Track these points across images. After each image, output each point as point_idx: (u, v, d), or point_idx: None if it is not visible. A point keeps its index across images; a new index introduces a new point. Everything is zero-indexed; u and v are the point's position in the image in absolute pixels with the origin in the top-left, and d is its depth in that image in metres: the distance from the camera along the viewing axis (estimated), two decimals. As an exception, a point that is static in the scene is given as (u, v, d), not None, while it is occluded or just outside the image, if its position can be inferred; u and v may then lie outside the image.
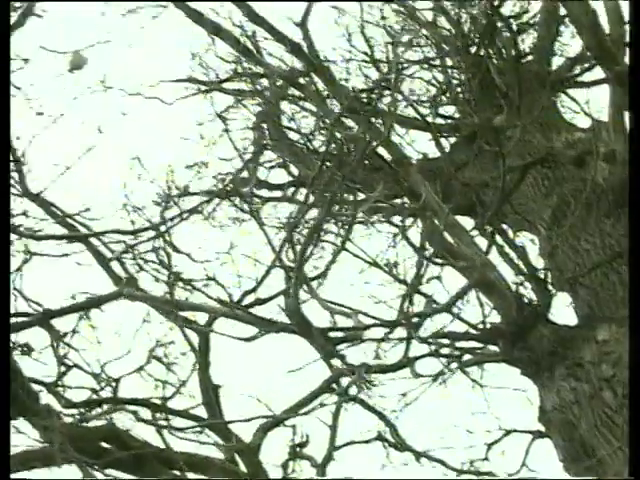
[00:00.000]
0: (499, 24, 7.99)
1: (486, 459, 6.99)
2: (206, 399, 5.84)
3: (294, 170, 8.71)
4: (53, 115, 5.87)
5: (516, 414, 7.11)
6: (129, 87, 8.51)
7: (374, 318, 5.26)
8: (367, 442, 5.98)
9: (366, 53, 8.23)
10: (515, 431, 6.97)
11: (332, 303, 5.20)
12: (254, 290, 5.44)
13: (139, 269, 5.70)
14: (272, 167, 9.10)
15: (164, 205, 5.89)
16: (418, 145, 8.34)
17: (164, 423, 5.16)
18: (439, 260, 6.21)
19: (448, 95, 8.54)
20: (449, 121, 8.51)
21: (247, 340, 5.13)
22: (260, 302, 5.34)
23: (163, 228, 5.86)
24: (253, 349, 5.87)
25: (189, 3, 7.20)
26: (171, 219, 5.71)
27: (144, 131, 9.80)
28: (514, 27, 7.75)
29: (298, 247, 5.03)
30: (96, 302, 5.48)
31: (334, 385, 5.40)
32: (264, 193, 8.87)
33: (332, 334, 5.16)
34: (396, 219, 8.80)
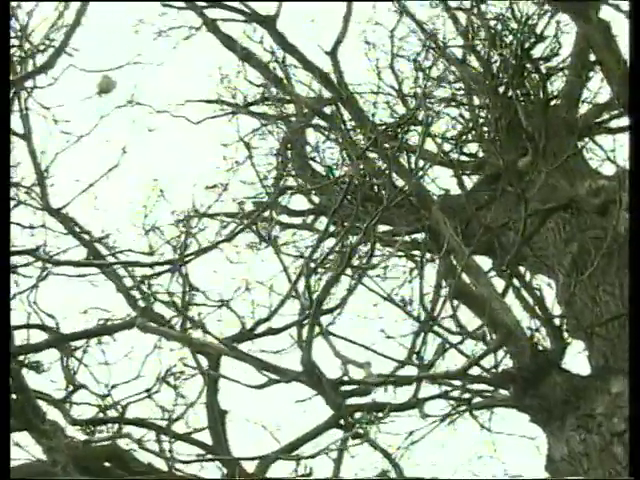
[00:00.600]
0: (528, 66, 8.03)
1: (490, 503, 6.91)
2: (212, 424, 5.80)
3: (315, 197, 8.74)
4: (79, 133, 5.89)
5: (523, 461, 7.03)
6: (157, 105, 8.59)
7: (385, 357, 5.21)
8: (370, 480, 5.92)
9: (394, 87, 8.25)
10: (521, 478, 6.88)
11: (347, 339, 5.16)
12: (268, 319, 5.42)
13: (153, 299, 5.69)
14: (293, 193, 9.12)
15: (183, 245, 5.87)
16: (441, 181, 8.36)
17: (167, 454, 5.11)
18: (455, 300, 6.17)
19: (474, 133, 8.53)
20: (473, 160, 8.49)
21: (257, 388, 5.10)
22: (273, 332, 5.32)
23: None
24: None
25: (222, 28, 7.26)
26: (187, 255, 5.70)
27: (169, 149, 9.87)
28: (543, 70, 7.72)
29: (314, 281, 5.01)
30: (108, 330, 5.49)
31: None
32: (284, 219, 8.89)
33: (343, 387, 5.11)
34: (415, 253, 8.79)
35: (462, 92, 8.57)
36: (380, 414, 5.51)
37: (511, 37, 7.96)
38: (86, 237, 5.98)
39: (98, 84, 5.83)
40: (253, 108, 9.14)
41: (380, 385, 5.09)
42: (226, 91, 9.03)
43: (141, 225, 6.24)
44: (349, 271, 5.55)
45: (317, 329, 4.94)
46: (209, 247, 5.77)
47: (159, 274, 5.73)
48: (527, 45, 7.87)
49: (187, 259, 5.66)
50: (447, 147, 8.74)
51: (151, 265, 5.71)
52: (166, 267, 5.76)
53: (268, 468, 5.10)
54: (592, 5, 5.24)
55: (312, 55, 7.38)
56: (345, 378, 5.12)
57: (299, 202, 9.10)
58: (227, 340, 5.21)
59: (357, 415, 5.18)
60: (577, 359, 6.53)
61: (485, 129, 8.37)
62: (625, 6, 6.42)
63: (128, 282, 5.82)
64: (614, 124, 8.39)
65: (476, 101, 8.41)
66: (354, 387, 5.13)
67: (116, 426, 5.74)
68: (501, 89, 8.20)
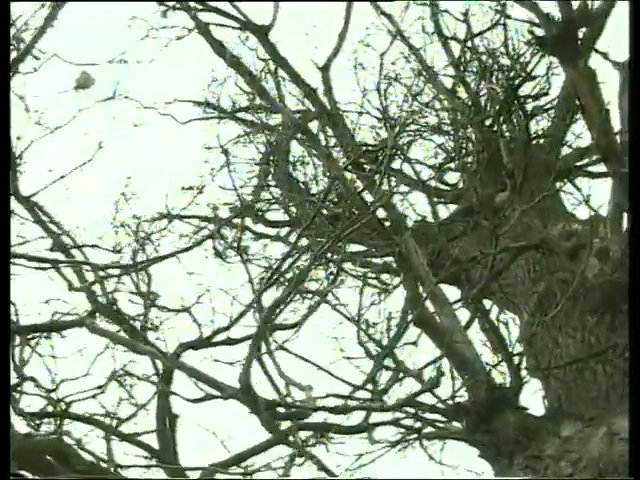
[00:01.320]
0: (516, 102, 8.08)
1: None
2: (160, 427, 5.75)
3: (294, 209, 8.74)
4: (60, 125, 5.86)
5: (468, 496, 7.01)
6: (146, 102, 8.56)
7: (340, 379, 5.20)
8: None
9: (379, 109, 8.29)
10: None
11: (302, 358, 5.15)
12: (227, 329, 5.40)
13: (112, 300, 5.66)
14: (272, 203, 9.12)
15: (141, 243, 5.85)
16: (419, 207, 8.40)
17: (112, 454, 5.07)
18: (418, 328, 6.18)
19: (455, 163, 8.58)
20: (451, 190, 8.53)
21: (193, 402, 5.08)
22: (230, 342, 5.30)
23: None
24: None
25: (215, 32, 7.24)
26: (140, 263, 5.67)
27: (152, 147, 9.85)
28: (529, 108, 7.78)
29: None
30: (57, 326, 5.45)
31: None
32: (259, 228, 8.89)
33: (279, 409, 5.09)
34: (385, 276, 8.81)
35: (448, 121, 8.61)
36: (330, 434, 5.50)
37: (501, 73, 8.01)
38: (54, 228, 5.93)
39: (76, 79, 5.83)
40: (241, 114, 9.17)
41: (316, 411, 5.07)
42: (215, 95, 9.05)
43: (111, 221, 6.22)
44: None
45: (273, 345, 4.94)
46: (166, 255, 5.74)
47: (112, 276, 5.70)
48: (516, 82, 7.92)
49: (141, 266, 5.63)
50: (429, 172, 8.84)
51: (102, 268, 5.67)
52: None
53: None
54: (581, 52, 5.28)
55: (302, 68, 7.37)
56: (288, 399, 5.09)
57: (278, 214, 9.13)
58: (183, 346, 5.20)
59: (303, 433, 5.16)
60: (534, 398, 6.55)
61: (467, 160, 8.43)
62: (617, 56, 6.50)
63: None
64: (594, 169, 8.50)
65: (460, 132, 8.45)
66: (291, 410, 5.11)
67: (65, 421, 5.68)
68: (487, 122, 8.28)
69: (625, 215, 6.09)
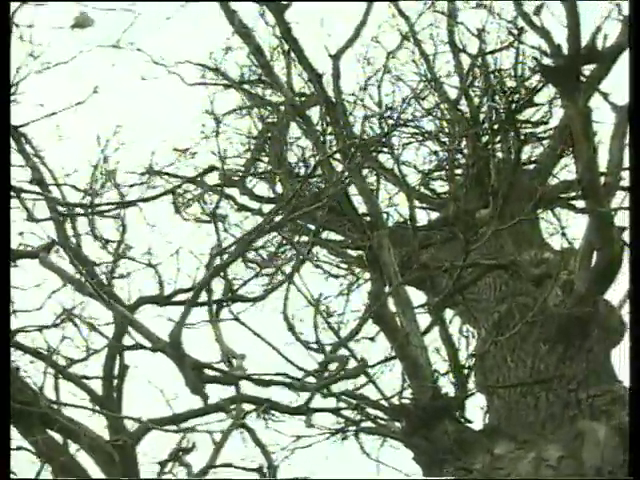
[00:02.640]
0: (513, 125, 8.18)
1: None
2: (107, 374, 5.79)
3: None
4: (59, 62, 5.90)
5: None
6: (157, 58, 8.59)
7: (288, 360, 5.30)
8: (245, 469, 5.98)
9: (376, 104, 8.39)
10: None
11: (254, 332, 5.23)
12: (188, 290, 5.47)
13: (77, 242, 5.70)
14: (262, 178, 9.19)
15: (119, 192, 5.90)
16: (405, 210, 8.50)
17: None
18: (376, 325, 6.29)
19: (445, 173, 8.70)
20: (435, 197, 8.64)
21: (126, 349, 5.16)
22: (182, 303, 5.39)
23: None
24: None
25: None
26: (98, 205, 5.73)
27: (155, 104, 9.89)
28: (525, 133, 7.89)
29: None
30: (12, 255, 5.48)
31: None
32: (245, 201, 8.96)
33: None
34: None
35: (446, 130, 8.71)
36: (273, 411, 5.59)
37: (504, 94, 8.11)
38: (36, 160, 5.97)
39: (75, 18, 5.88)
40: (247, 87, 9.21)
41: (240, 380, 5.15)
42: (223, 62, 9.08)
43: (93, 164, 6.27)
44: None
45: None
46: (127, 203, 5.80)
47: (72, 215, 5.73)
48: (518, 106, 8.03)
49: (98, 209, 5.68)
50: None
51: (62, 204, 5.70)
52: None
53: (145, 434, 5.16)
54: (582, 88, 5.38)
55: (311, 54, 7.42)
56: (231, 366, 5.17)
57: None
58: (141, 299, 5.28)
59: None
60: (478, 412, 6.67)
61: (456, 172, 8.54)
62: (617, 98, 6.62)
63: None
64: (577, 203, 8.63)
65: (455, 143, 8.55)
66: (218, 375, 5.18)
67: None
68: (482, 139, 8.38)
69: (595, 253, 6.20)
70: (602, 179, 6.14)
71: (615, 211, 6.61)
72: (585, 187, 5.56)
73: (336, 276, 8.75)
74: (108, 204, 5.79)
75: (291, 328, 5.55)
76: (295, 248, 6.34)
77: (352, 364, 5.99)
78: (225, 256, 5.35)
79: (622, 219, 7.32)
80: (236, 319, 5.29)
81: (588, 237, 6.14)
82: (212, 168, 7.98)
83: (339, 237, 8.51)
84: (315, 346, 5.65)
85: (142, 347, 5.25)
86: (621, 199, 7.32)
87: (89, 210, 5.75)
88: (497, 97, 8.33)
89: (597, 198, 5.58)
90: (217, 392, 5.43)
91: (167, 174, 7.49)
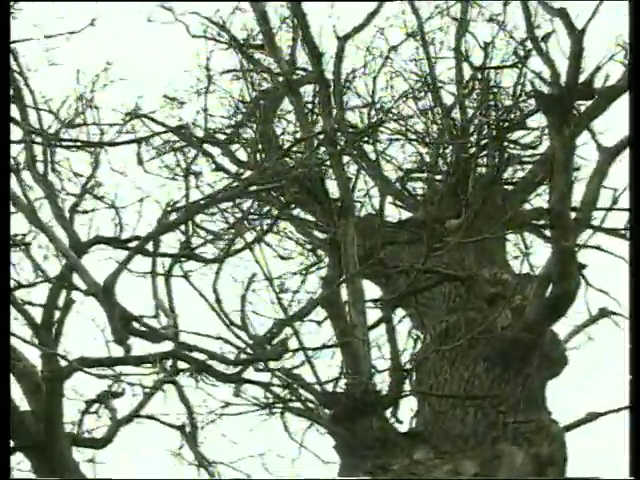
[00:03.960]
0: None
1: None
2: (49, 305, 5.72)
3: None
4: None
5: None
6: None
7: (228, 326, 5.31)
8: (167, 425, 6.02)
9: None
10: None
11: (201, 295, 5.22)
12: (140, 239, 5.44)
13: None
14: (243, 144, 9.15)
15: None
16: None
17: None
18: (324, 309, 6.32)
19: (424, 175, 8.71)
20: (409, 197, 8.66)
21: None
22: (144, 252, 5.37)
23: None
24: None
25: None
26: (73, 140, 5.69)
27: (154, 49, 9.79)
28: (508, 153, 7.93)
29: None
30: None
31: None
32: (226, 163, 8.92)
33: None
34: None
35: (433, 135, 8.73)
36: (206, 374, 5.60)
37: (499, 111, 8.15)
38: (19, 77, 5.89)
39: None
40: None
41: (165, 340, 5.15)
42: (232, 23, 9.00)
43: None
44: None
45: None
46: (93, 143, 5.76)
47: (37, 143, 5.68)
48: (509, 125, 8.06)
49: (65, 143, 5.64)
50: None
51: (32, 131, 5.65)
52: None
53: (72, 373, 5.14)
54: (571, 121, 5.42)
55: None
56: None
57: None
58: (95, 238, 5.25)
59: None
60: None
61: (436, 177, 8.56)
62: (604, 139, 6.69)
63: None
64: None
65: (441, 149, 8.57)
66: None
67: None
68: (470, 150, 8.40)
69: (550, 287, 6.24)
70: (573, 214, 6.22)
71: (579, 248, 6.72)
72: (554, 218, 5.61)
73: (299, 254, 8.76)
74: (73, 140, 5.73)
75: (218, 300, 5.54)
76: (260, 217, 6.33)
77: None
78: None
79: (584, 256, 7.45)
80: (185, 277, 5.28)
81: (548, 268, 6.20)
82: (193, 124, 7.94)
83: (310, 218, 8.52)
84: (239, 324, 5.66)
85: (76, 288, 5.21)
86: (587, 237, 7.45)
87: (52, 139, 5.67)
88: (492, 112, 8.35)
89: (564, 231, 5.63)
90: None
91: (151, 119, 7.42)
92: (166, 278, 5.37)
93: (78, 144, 5.84)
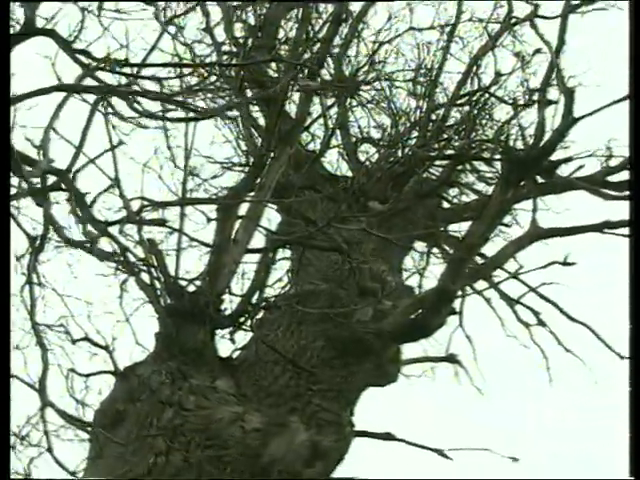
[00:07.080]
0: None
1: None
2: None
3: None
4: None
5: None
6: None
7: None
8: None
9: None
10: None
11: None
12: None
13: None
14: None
15: None
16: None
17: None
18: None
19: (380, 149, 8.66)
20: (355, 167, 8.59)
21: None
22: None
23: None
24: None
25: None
26: None
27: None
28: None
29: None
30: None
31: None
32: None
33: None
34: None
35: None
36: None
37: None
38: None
39: None
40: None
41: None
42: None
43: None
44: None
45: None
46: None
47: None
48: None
49: None
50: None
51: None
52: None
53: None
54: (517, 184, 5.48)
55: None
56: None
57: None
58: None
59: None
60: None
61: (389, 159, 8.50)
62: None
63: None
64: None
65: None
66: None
67: None
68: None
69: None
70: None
71: (463, 296, 6.84)
72: (452, 262, 5.69)
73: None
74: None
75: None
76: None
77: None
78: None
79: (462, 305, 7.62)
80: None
81: (429, 295, 6.29)
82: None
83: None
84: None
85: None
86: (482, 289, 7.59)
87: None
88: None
89: (454, 274, 5.72)
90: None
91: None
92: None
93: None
